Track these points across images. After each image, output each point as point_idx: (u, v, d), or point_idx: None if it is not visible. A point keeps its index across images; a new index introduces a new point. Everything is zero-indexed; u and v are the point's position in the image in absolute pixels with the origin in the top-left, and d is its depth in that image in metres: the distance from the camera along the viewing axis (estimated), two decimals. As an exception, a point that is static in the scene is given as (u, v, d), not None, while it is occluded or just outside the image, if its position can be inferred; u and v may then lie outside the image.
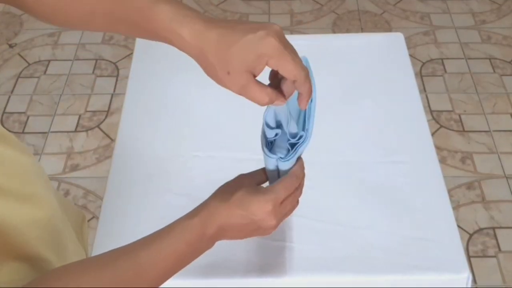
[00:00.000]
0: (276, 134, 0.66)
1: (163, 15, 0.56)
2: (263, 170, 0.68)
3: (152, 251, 0.57)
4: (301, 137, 0.65)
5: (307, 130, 0.65)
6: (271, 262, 0.89)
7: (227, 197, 0.61)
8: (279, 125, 0.66)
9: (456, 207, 1.81)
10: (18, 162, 0.59)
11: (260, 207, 0.61)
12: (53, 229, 0.62)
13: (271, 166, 0.67)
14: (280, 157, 0.65)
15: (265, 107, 0.62)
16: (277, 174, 0.68)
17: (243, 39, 0.54)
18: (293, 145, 0.65)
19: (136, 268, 0.56)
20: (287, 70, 0.55)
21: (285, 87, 0.59)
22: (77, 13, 0.60)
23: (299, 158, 0.68)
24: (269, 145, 0.67)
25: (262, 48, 0.54)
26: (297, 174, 0.65)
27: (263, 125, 0.65)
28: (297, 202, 0.67)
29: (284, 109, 0.63)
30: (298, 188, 0.66)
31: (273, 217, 0.62)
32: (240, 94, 0.57)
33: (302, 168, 0.67)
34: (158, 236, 0.59)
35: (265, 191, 0.62)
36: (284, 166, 0.66)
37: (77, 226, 0.79)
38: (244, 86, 0.56)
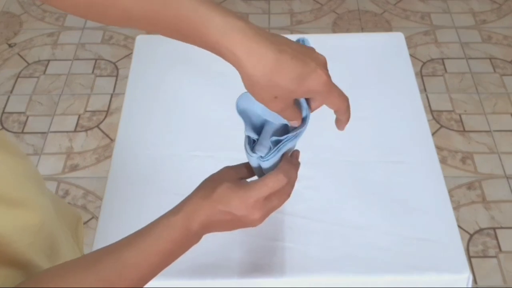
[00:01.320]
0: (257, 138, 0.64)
1: (213, 28, 0.54)
2: (248, 163, 0.67)
3: (135, 251, 0.56)
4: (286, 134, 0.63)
5: (294, 128, 0.63)
6: (271, 262, 0.89)
7: (209, 193, 0.60)
8: (261, 124, 0.65)
9: (456, 207, 1.81)
10: (9, 166, 0.58)
11: (241, 203, 0.60)
12: (46, 234, 0.62)
13: (254, 164, 0.65)
14: (260, 156, 0.63)
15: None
16: (262, 171, 0.66)
17: (297, 70, 0.55)
18: (276, 143, 0.63)
19: (119, 269, 0.55)
20: (333, 103, 0.60)
21: (314, 105, 0.63)
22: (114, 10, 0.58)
23: (294, 151, 0.66)
24: (252, 142, 0.65)
25: (313, 84, 0.56)
26: (285, 170, 0.63)
27: (245, 124, 0.64)
28: (288, 195, 0.65)
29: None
30: (289, 183, 0.63)
31: (256, 211, 0.61)
32: (278, 113, 0.60)
33: (292, 163, 0.65)
34: (141, 235, 0.58)
35: (247, 187, 0.61)
36: (265, 164, 0.64)
37: (72, 227, 0.79)
38: (283, 109, 0.59)
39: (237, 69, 0.56)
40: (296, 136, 0.63)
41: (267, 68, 0.54)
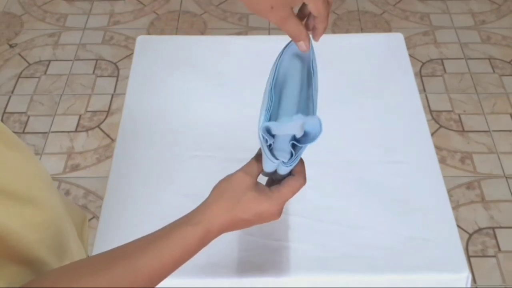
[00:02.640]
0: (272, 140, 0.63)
1: None
2: (256, 160, 0.66)
3: (149, 257, 0.56)
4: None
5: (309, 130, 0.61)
6: (271, 262, 0.89)
7: (233, 205, 0.60)
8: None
9: (455, 207, 1.82)
10: (20, 164, 0.59)
11: (267, 211, 0.61)
12: (55, 232, 0.62)
13: (270, 168, 0.64)
14: (283, 161, 0.62)
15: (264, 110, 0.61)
16: (274, 173, 0.66)
17: None
18: (294, 146, 0.62)
19: (132, 274, 0.55)
20: (317, 7, 0.62)
21: (309, 23, 0.66)
22: None
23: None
24: (269, 146, 0.63)
25: None
26: (304, 173, 0.64)
27: (261, 128, 0.61)
28: None
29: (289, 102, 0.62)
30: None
31: (277, 215, 0.62)
32: (279, 26, 0.62)
33: (304, 165, 0.66)
34: (156, 241, 0.58)
35: (273, 196, 0.62)
36: (287, 169, 0.63)
37: (78, 226, 0.79)
38: (284, 19, 0.62)
39: None
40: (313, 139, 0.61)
41: None
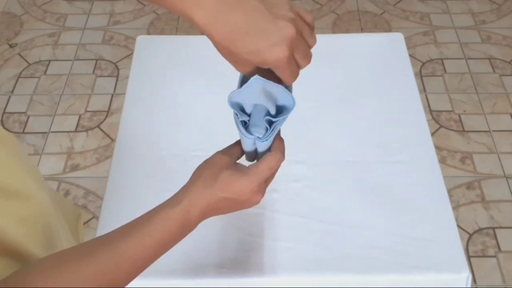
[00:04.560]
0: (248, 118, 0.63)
1: None
2: (239, 143, 0.66)
3: (132, 242, 0.56)
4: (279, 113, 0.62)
5: (284, 105, 0.62)
6: (271, 262, 0.89)
7: (210, 183, 0.60)
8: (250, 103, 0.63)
9: (456, 207, 1.82)
10: (4, 158, 0.58)
11: (245, 188, 0.60)
12: (43, 226, 0.62)
13: (248, 147, 0.64)
14: (258, 137, 0.62)
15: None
16: (255, 151, 0.65)
17: (253, 45, 0.55)
18: (271, 123, 0.62)
19: (116, 260, 0.55)
20: (284, 78, 0.59)
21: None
22: None
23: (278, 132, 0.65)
24: (244, 124, 0.63)
25: (268, 59, 0.55)
26: (282, 149, 0.63)
27: (229, 103, 0.62)
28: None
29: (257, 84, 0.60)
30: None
31: (258, 194, 0.61)
32: (242, 72, 0.60)
33: (282, 139, 0.65)
34: (138, 226, 0.58)
35: (249, 172, 0.61)
36: (263, 145, 0.63)
37: (72, 223, 0.79)
38: (250, 73, 0.59)
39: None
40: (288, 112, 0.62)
41: (223, 38, 0.55)
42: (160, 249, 0.59)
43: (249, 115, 0.63)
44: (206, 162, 0.63)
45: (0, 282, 0.50)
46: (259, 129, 0.62)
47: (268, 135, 0.62)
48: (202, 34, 0.57)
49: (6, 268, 0.55)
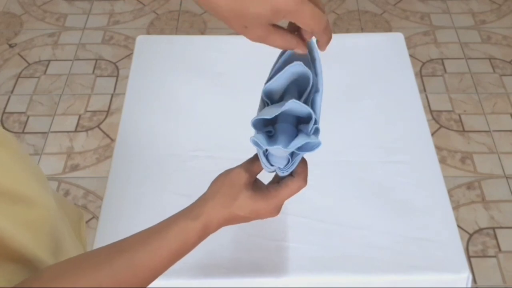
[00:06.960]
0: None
1: None
2: (257, 157, 0.64)
3: (149, 252, 0.56)
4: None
5: (309, 135, 0.60)
6: (271, 262, 0.89)
7: (230, 203, 0.60)
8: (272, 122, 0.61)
9: (456, 207, 1.82)
10: (9, 162, 0.58)
11: (263, 209, 0.61)
12: (49, 229, 0.62)
13: (268, 171, 0.63)
14: (279, 167, 0.61)
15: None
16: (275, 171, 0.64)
17: None
18: (293, 153, 0.60)
19: (132, 269, 0.55)
20: (306, 24, 0.54)
21: (305, 33, 0.57)
22: None
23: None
24: (265, 152, 0.61)
25: (278, 4, 0.51)
26: (306, 175, 0.62)
27: (251, 140, 0.59)
28: None
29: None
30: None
31: (274, 213, 0.62)
32: (260, 42, 0.56)
33: (306, 164, 0.64)
34: (156, 235, 0.58)
35: (269, 195, 0.61)
36: (283, 174, 0.62)
37: (75, 224, 0.79)
38: (262, 37, 0.55)
39: (203, 8, 0.54)
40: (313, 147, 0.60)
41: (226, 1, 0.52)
42: (176, 258, 0.59)
43: (271, 119, 0.60)
44: (225, 176, 0.62)
45: None
46: (281, 160, 0.61)
47: (289, 167, 0.61)
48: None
49: (16, 273, 0.54)
